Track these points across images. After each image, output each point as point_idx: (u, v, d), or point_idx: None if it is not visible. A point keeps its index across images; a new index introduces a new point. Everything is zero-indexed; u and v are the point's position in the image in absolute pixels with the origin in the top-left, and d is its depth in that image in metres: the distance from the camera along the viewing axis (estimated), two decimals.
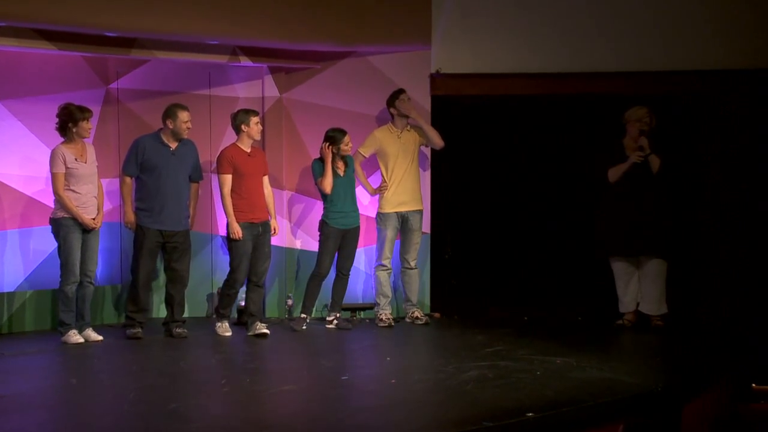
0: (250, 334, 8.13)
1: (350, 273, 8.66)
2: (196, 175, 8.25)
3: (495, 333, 8.05)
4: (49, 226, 7.84)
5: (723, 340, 7.89)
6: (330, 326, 8.54)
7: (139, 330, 8.00)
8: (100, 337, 7.87)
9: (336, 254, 8.55)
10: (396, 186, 8.71)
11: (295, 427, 5.45)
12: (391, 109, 8.75)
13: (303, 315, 8.47)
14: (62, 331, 7.78)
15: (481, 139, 9.96)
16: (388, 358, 7.51)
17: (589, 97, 8.95)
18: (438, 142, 8.82)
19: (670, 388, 6.18)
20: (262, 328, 8.10)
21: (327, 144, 8.40)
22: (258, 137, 8.29)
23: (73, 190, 7.72)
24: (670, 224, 8.41)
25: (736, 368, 6.94)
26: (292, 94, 9.08)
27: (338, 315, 8.60)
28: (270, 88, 9.01)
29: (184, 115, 8.00)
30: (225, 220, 8.20)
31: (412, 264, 8.78)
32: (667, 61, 8.68)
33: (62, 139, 7.79)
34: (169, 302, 8.16)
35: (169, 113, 8.01)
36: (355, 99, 9.02)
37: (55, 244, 7.86)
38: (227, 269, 8.26)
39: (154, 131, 8.14)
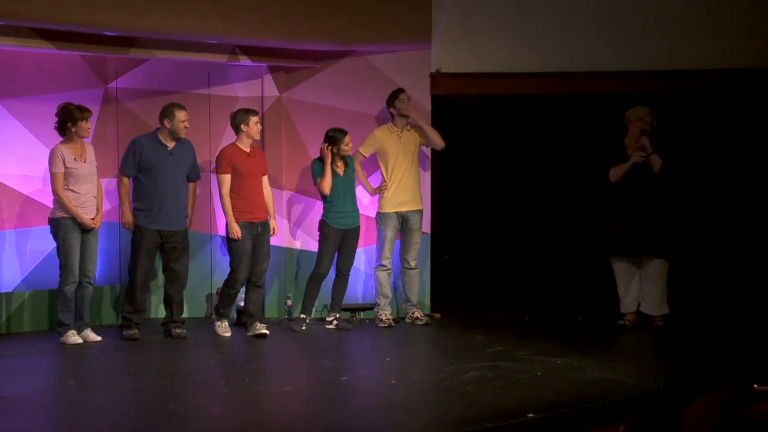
0: (249, 334, 8.11)
1: (350, 273, 8.64)
2: (193, 174, 8.23)
3: (495, 333, 8.03)
4: (48, 226, 7.82)
5: (724, 340, 7.87)
6: (330, 327, 8.52)
7: (136, 331, 7.97)
8: (99, 338, 7.85)
9: (336, 254, 8.52)
10: (396, 186, 8.69)
11: (295, 428, 5.44)
12: (391, 109, 8.73)
13: (302, 315, 8.45)
14: (61, 332, 7.75)
15: (481, 139, 9.95)
16: (388, 359, 7.50)
17: (590, 96, 8.94)
18: (439, 142, 8.80)
19: (671, 388, 6.16)
20: (262, 329, 8.08)
21: (327, 145, 8.37)
22: (257, 137, 8.27)
23: (73, 190, 7.70)
24: (671, 224, 8.39)
25: (738, 369, 6.95)
26: (292, 94, 9.06)
27: (338, 315, 8.58)
28: (269, 88, 9.00)
29: (181, 115, 7.97)
30: (224, 220, 8.18)
31: (412, 264, 8.76)
32: (667, 60, 8.67)
33: (61, 139, 7.77)
34: (168, 303, 8.14)
35: (166, 113, 7.98)
36: (355, 98, 9.00)
37: (54, 244, 7.84)
38: (227, 269, 8.25)
39: (151, 131, 8.11)
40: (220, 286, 8.47)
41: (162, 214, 7.96)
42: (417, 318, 8.68)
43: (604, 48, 8.73)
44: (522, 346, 7.42)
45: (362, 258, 9.00)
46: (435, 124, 8.90)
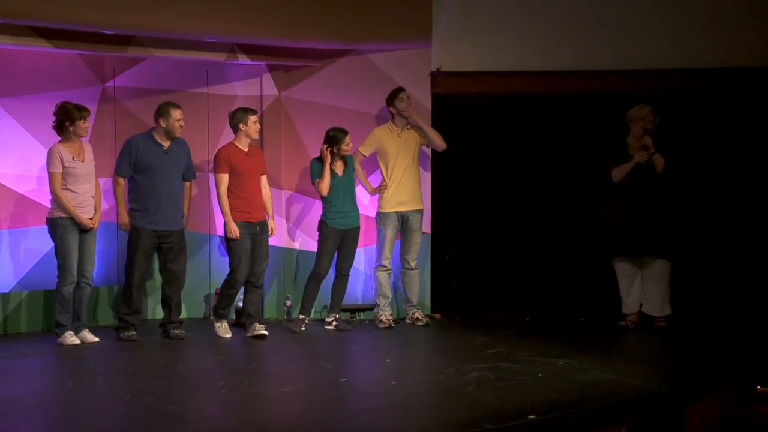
0: (248, 335, 8.07)
1: (350, 273, 8.61)
2: (189, 174, 8.19)
3: (496, 334, 8.01)
4: (45, 226, 7.79)
5: (727, 341, 7.86)
6: (329, 327, 8.49)
7: (134, 332, 7.94)
8: (97, 339, 7.82)
9: (335, 254, 8.48)
10: (396, 185, 8.66)
11: (294, 430, 5.41)
12: (391, 108, 8.70)
13: (301, 316, 8.42)
14: (58, 333, 7.72)
15: (482, 138, 9.93)
16: (388, 360, 7.48)
17: (591, 95, 8.92)
18: (440, 143, 8.78)
19: (673, 389, 6.15)
20: (261, 329, 8.05)
21: (327, 146, 8.33)
22: (256, 136, 8.23)
23: (71, 190, 7.66)
24: (674, 224, 8.36)
25: (741, 370, 6.93)
26: (291, 93, 9.04)
27: (338, 316, 8.55)
28: (269, 87, 8.98)
29: (176, 114, 7.93)
30: (223, 220, 8.14)
31: (413, 264, 8.73)
32: (669, 59, 8.66)
33: (59, 138, 7.73)
34: (167, 303, 8.10)
35: (162, 112, 7.94)
36: (355, 97, 8.98)
37: (51, 245, 7.81)
38: (226, 270, 8.22)
39: (146, 131, 8.06)
40: (219, 286, 8.42)
41: (159, 214, 7.91)
42: (417, 319, 8.65)
43: (605, 47, 8.72)
44: (523, 347, 7.40)
45: (362, 258, 8.98)
46: (435, 123, 8.88)
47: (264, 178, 8.30)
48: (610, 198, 8.47)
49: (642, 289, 8.47)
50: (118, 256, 8.71)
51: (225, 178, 8.06)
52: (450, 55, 8.82)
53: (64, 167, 7.62)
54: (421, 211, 8.77)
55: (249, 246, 8.09)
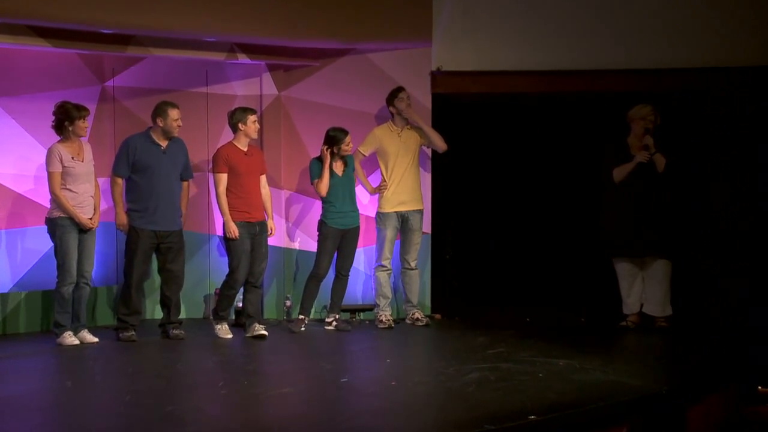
0: (248, 335, 8.06)
1: (350, 274, 8.59)
2: (186, 173, 8.17)
3: (496, 334, 8.00)
4: (44, 226, 7.78)
5: (728, 341, 7.84)
6: (329, 327, 8.47)
7: (133, 333, 7.92)
8: (96, 339, 7.81)
9: (335, 255, 8.46)
10: (396, 185, 8.64)
11: (294, 430, 5.39)
12: (391, 108, 8.68)
13: (301, 316, 8.40)
14: (57, 333, 7.70)
15: (482, 138, 9.93)
16: (388, 360, 7.46)
17: (592, 95, 8.91)
18: (441, 144, 8.76)
19: (674, 390, 6.13)
20: (260, 330, 8.03)
21: (327, 147, 8.30)
22: (255, 136, 8.21)
23: (70, 189, 7.65)
24: (675, 224, 8.34)
25: (742, 370, 6.92)
26: (291, 92, 9.02)
27: (337, 316, 8.53)
28: (268, 86, 8.96)
29: (174, 113, 7.90)
30: (222, 220, 8.11)
31: (413, 264, 8.71)
32: (670, 58, 8.65)
33: (58, 138, 7.70)
34: (166, 304, 8.07)
35: (159, 111, 7.91)
36: (355, 97, 8.96)
37: (49, 245, 7.80)
38: (225, 270, 8.20)
39: (143, 130, 8.04)
40: (219, 286, 8.40)
41: (157, 214, 7.89)
42: (417, 319, 8.63)
43: (606, 46, 8.70)
44: (523, 348, 7.39)
45: (362, 258, 8.96)
46: (435, 123, 8.87)
47: (263, 178, 8.28)
48: (611, 198, 8.44)
49: (643, 290, 8.45)
50: (118, 257, 8.69)
51: (224, 177, 8.04)
52: (450, 54, 8.80)
53: (63, 167, 7.61)
54: (421, 211, 8.76)
55: (248, 246, 8.07)
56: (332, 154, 8.33)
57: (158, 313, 8.38)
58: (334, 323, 8.49)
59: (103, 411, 5.79)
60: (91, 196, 7.78)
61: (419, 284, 8.81)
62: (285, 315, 8.97)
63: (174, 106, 7.93)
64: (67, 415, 5.75)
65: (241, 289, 8.23)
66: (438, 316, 9.04)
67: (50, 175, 7.62)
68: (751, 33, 8.58)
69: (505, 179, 10.13)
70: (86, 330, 7.82)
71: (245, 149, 8.12)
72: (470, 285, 9.92)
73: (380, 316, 8.62)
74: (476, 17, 8.78)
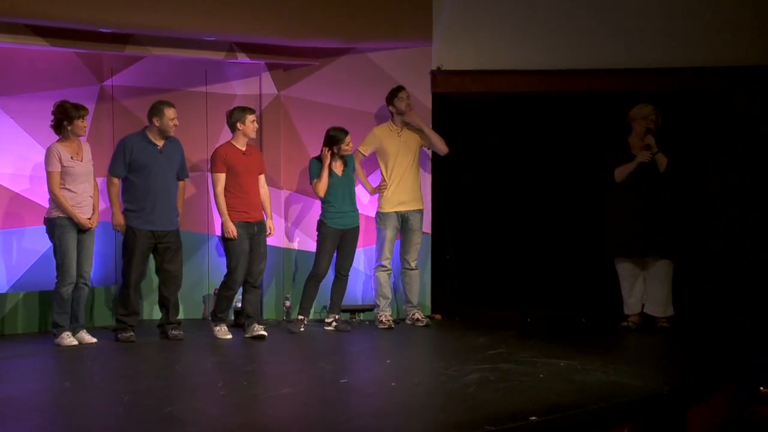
0: (247, 336, 8.04)
1: (349, 274, 8.56)
2: (182, 173, 8.14)
3: (497, 335, 7.98)
4: (42, 226, 7.76)
5: (730, 342, 7.83)
6: (329, 328, 8.45)
7: (132, 333, 7.90)
8: (94, 340, 7.79)
9: (334, 255, 8.44)
10: (396, 185, 8.62)
11: (294, 431, 5.36)
12: (390, 107, 8.66)
13: (300, 317, 8.37)
14: (56, 333, 7.68)
15: (483, 138, 9.91)
16: (388, 361, 7.43)
17: (593, 94, 8.90)
18: (442, 147, 8.75)
19: (676, 391, 6.12)
20: (260, 330, 8.01)
21: (327, 149, 8.27)
22: (253, 135, 8.19)
23: (69, 189, 7.63)
24: (677, 224, 8.32)
25: (744, 371, 6.90)
26: (291, 92, 9.00)
27: (337, 317, 8.51)
28: (268, 86, 8.95)
29: (170, 112, 7.88)
30: (221, 219, 8.09)
31: (413, 265, 8.69)
32: (672, 57, 8.64)
33: (56, 137, 7.68)
34: (164, 304, 8.05)
35: (155, 111, 7.89)
36: (355, 96, 8.95)
37: (48, 245, 7.78)
38: (224, 270, 8.17)
39: (139, 130, 8.01)
40: (218, 287, 8.37)
41: (155, 214, 7.87)
42: (417, 319, 8.61)
43: (607, 45, 8.69)
44: (524, 348, 7.37)
45: (362, 258, 8.94)
46: (435, 122, 8.87)
47: (262, 178, 8.26)
48: (612, 198, 8.42)
49: (644, 290, 8.43)
50: (116, 257, 8.67)
51: (222, 177, 8.02)
52: (450, 53, 8.79)
53: (62, 167, 7.59)
54: (421, 211, 8.74)
55: (247, 246, 8.05)
56: (332, 154, 8.31)
57: (156, 314, 8.36)
58: (334, 324, 8.47)
59: (101, 412, 5.77)
60: (90, 196, 7.76)
61: (419, 284, 8.79)
62: (284, 315, 8.95)
63: (170, 105, 7.90)
64: (66, 416, 5.73)
65: (240, 290, 8.20)
66: (438, 316, 9.02)
67: (49, 174, 7.60)
68: (752, 32, 8.57)
69: (505, 179, 10.11)
70: (85, 330, 7.81)
71: (244, 149, 8.10)
72: (471, 285, 9.91)
73: (380, 316, 8.59)
74: (476, 16, 8.77)
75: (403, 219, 8.65)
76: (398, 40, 8.81)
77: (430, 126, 8.83)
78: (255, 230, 8.11)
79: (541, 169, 10.04)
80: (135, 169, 7.85)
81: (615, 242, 8.38)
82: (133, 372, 6.87)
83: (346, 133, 8.33)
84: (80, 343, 7.70)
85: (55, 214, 7.63)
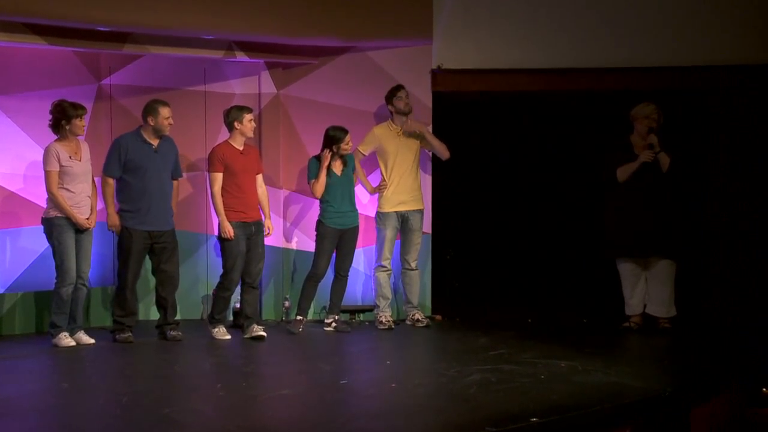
0: (246, 336, 8.02)
1: (349, 274, 8.53)
2: (176, 172, 8.11)
3: (498, 336, 7.97)
4: (40, 226, 7.74)
5: (732, 343, 7.82)
6: (328, 329, 8.43)
7: (130, 334, 7.87)
8: (92, 340, 7.76)
9: (333, 255, 8.41)
10: (396, 185, 8.60)
11: None
12: (390, 107, 8.63)
13: (299, 317, 8.34)
14: (53, 334, 7.65)
15: (483, 137, 9.92)
16: (388, 362, 7.42)
17: (595, 93, 8.89)
18: (444, 153, 8.74)
19: (678, 392, 6.12)
20: (259, 331, 7.98)
21: (328, 150, 8.24)
22: (251, 135, 8.16)
23: (67, 189, 7.60)
24: (679, 224, 8.29)
25: (746, 372, 6.89)
26: (290, 91, 8.97)
27: (337, 317, 8.49)
28: (267, 85, 8.92)
29: (165, 111, 7.84)
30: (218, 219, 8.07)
31: (413, 265, 8.66)
32: (674, 56, 8.63)
33: (54, 137, 7.65)
34: (162, 305, 8.01)
35: (150, 110, 7.85)
36: (355, 95, 8.93)
37: (45, 245, 7.76)
38: (221, 271, 8.12)
39: (134, 130, 7.97)
40: (215, 287, 8.33)
41: (150, 214, 7.83)
42: (417, 320, 8.59)
43: (609, 44, 8.68)
44: (525, 349, 7.37)
45: (362, 259, 8.92)
46: (436, 121, 8.87)
47: (260, 177, 8.23)
48: (614, 198, 8.40)
49: (646, 290, 8.40)
50: (114, 257, 8.63)
51: (219, 177, 7.99)
52: (451, 52, 8.77)
53: (60, 166, 7.56)
54: (421, 211, 8.71)
55: (244, 247, 8.02)
56: (332, 154, 8.27)
57: (154, 315, 8.33)
58: (334, 324, 8.44)
59: (99, 413, 5.75)
60: (89, 196, 7.73)
61: (419, 285, 8.77)
62: (283, 316, 8.92)
63: (164, 104, 7.87)
64: (63, 417, 5.71)
65: (238, 290, 8.17)
66: (438, 317, 9.00)
67: (47, 174, 7.57)
68: (754, 31, 8.58)
69: (506, 178, 10.10)
70: (82, 331, 7.78)
71: (241, 148, 8.07)
72: (471, 285, 9.92)
73: (380, 317, 8.57)
74: (477, 15, 8.76)
75: (403, 219, 8.62)
76: (398, 38, 8.79)
77: (431, 128, 8.79)
78: (252, 230, 8.08)
79: (541, 169, 10.04)
80: (130, 170, 7.81)
81: (617, 242, 8.36)
82: (131, 373, 6.86)
83: (345, 132, 8.30)
84: (78, 343, 7.68)
85: (53, 213, 7.60)
